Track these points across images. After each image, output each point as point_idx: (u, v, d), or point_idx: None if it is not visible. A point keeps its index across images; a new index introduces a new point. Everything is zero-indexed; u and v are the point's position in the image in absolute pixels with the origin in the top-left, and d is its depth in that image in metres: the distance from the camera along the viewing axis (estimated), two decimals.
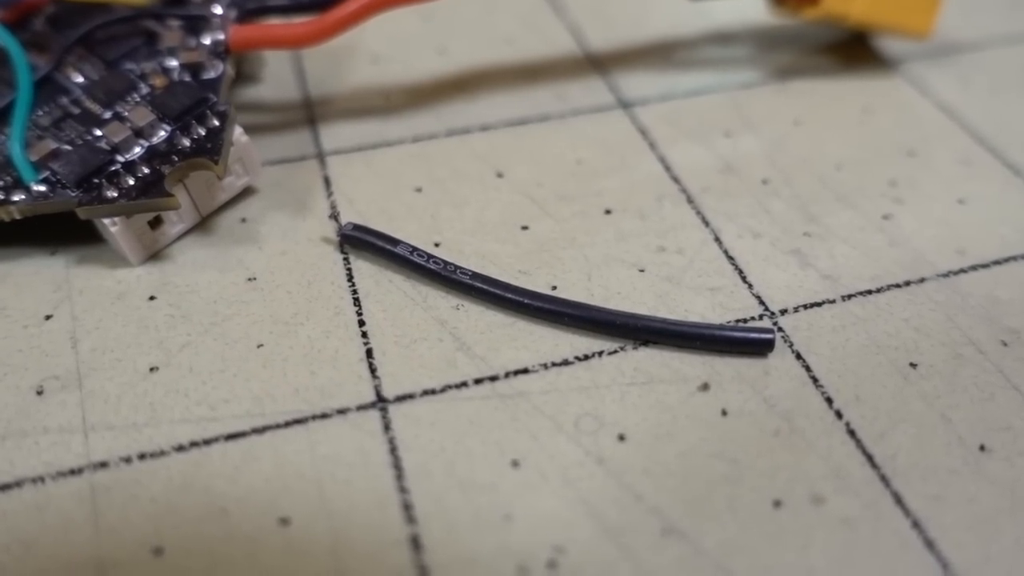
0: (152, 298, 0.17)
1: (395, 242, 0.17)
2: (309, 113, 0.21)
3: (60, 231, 0.18)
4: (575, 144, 0.21)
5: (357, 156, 0.20)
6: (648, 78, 0.23)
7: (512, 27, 0.24)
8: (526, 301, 0.16)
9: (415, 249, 0.17)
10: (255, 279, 0.17)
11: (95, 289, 0.17)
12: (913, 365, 0.16)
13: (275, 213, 0.19)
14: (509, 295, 0.16)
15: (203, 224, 0.18)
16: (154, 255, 0.18)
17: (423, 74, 0.23)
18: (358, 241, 0.17)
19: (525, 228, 0.18)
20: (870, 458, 0.14)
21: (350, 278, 0.17)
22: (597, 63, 0.23)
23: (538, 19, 0.25)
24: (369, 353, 0.16)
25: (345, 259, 0.18)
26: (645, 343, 0.16)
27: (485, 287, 0.17)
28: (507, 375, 0.15)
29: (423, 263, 0.17)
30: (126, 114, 0.18)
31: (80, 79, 0.19)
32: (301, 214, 0.19)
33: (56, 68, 0.19)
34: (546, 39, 0.24)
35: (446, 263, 0.17)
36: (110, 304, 0.17)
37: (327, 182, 0.19)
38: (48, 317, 0.16)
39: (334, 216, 0.18)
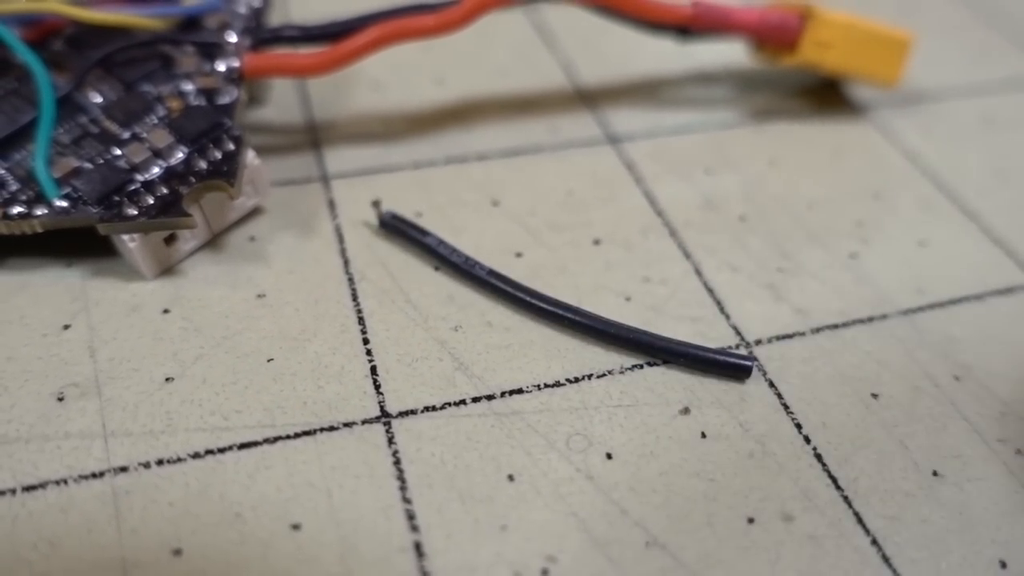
0: (166, 311, 0.18)
1: (425, 233, 0.19)
2: (313, 136, 0.22)
3: (76, 244, 0.19)
4: (566, 176, 0.22)
5: (360, 180, 0.21)
6: (635, 115, 0.24)
7: (506, 60, 0.26)
8: (534, 301, 0.18)
9: (442, 242, 0.19)
10: (264, 296, 0.18)
11: (111, 301, 0.18)
12: (875, 395, 0.17)
13: (282, 233, 0.20)
14: (520, 294, 0.18)
15: (214, 241, 0.19)
16: (167, 270, 0.18)
17: (422, 103, 0.24)
18: (394, 228, 0.19)
19: (519, 255, 0.20)
20: (834, 480, 0.16)
21: (355, 298, 0.18)
22: (587, 98, 0.24)
23: (531, 53, 0.26)
24: (373, 370, 0.17)
25: (350, 280, 0.19)
26: (632, 368, 0.17)
27: (499, 284, 0.18)
28: (503, 395, 0.17)
29: (447, 255, 0.19)
30: (145, 135, 0.19)
31: (99, 99, 0.20)
32: (307, 235, 0.20)
33: (76, 88, 0.20)
34: (539, 73, 0.25)
35: (467, 258, 0.18)
36: (126, 316, 0.18)
37: (331, 205, 0.20)
38: (66, 327, 0.17)
39: (375, 203, 0.19)
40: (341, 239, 0.20)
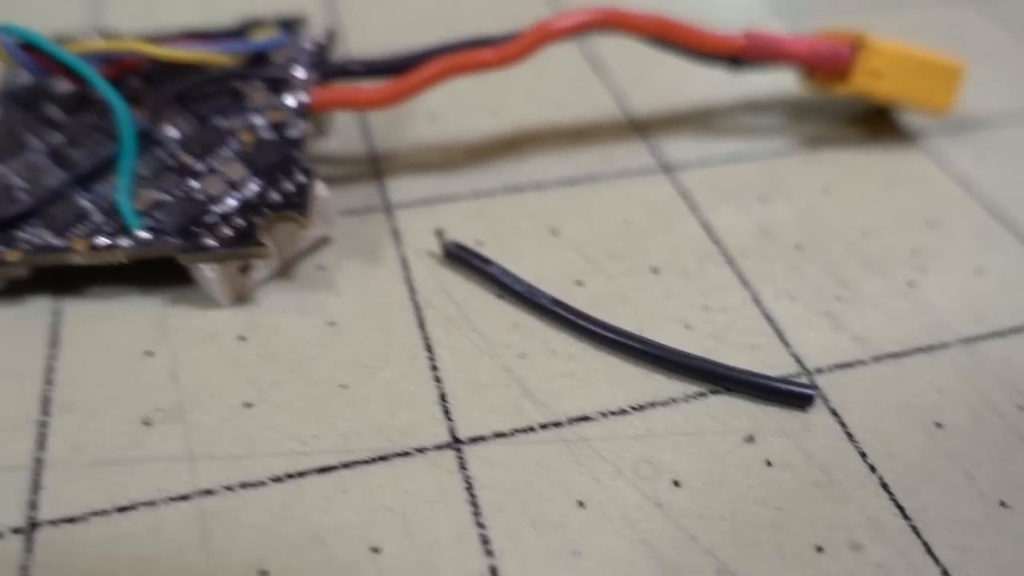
0: (242, 339, 0.18)
1: (488, 262, 0.19)
2: (375, 167, 0.23)
3: (154, 272, 0.19)
4: (622, 205, 0.22)
5: (422, 210, 0.22)
6: (688, 143, 0.24)
7: (560, 91, 0.26)
8: (596, 330, 0.18)
9: (505, 271, 0.19)
10: (335, 324, 0.19)
11: (189, 328, 0.18)
12: (938, 425, 0.17)
13: (349, 262, 0.20)
14: (583, 323, 0.18)
15: (285, 270, 0.20)
16: (242, 298, 0.19)
17: (479, 133, 0.24)
18: (458, 258, 0.20)
19: (579, 283, 0.20)
20: (902, 510, 0.16)
21: (422, 326, 0.19)
22: (640, 127, 0.25)
23: (584, 84, 0.27)
24: (443, 397, 0.17)
25: (416, 308, 0.19)
26: (695, 396, 0.18)
27: (562, 312, 0.19)
28: (570, 422, 0.17)
29: (510, 284, 0.19)
30: (220, 168, 0.19)
31: (174, 133, 0.20)
32: (373, 264, 0.20)
33: (153, 122, 0.20)
34: (592, 103, 0.26)
35: (530, 286, 0.19)
36: (204, 343, 0.18)
37: (395, 234, 0.21)
38: (148, 353, 0.18)
39: (439, 233, 0.20)
40: (406, 268, 0.20)
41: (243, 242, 0.18)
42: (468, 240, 0.21)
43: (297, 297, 0.19)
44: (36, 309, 0.19)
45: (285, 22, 0.24)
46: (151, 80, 0.21)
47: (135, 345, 0.18)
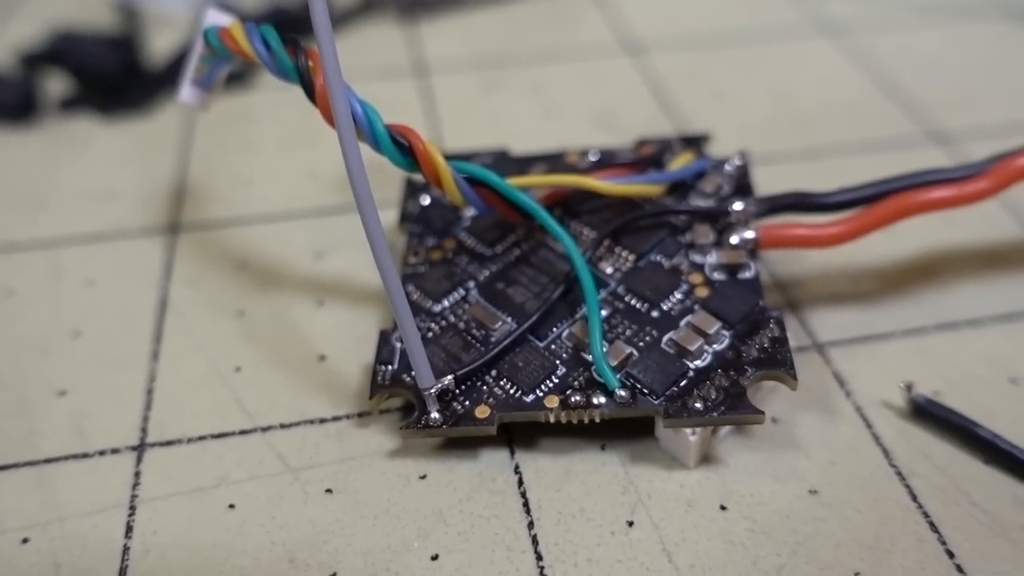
0: (723, 508, 0.17)
1: (975, 424, 0.18)
2: (785, 296, 0.22)
3: (602, 424, 0.18)
4: None
5: (857, 350, 0.20)
6: None
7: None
8: None
9: (997, 435, 0.17)
10: (816, 492, 0.17)
11: (661, 493, 0.17)
12: None
13: (802, 414, 0.19)
14: None
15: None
16: (706, 457, 0.18)
17: (881, 256, 0.23)
18: (930, 415, 0.18)
19: None
20: None
21: (914, 498, 0.17)
22: None
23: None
24: None
25: (899, 476, 0.17)
26: None
27: None
28: None
29: (1008, 450, 0.17)
30: (682, 317, 0.18)
31: (615, 272, 0.19)
32: (829, 417, 0.19)
33: (592, 261, 0.19)
34: (988, 218, 0.24)
35: None
36: (685, 512, 0.17)
37: (838, 379, 0.19)
38: (630, 523, 0.17)
39: (907, 387, 0.18)
40: (868, 423, 0.18)
41: (737, 408, 0.17)
42: (920, 389, 0.19)
43: (763, 456, 0.18)
44: (495, 466, 0.18)
45: (688, 139, 0.23)
46: (573, 212, 0.21)
47: (613, 513, 0.17)
